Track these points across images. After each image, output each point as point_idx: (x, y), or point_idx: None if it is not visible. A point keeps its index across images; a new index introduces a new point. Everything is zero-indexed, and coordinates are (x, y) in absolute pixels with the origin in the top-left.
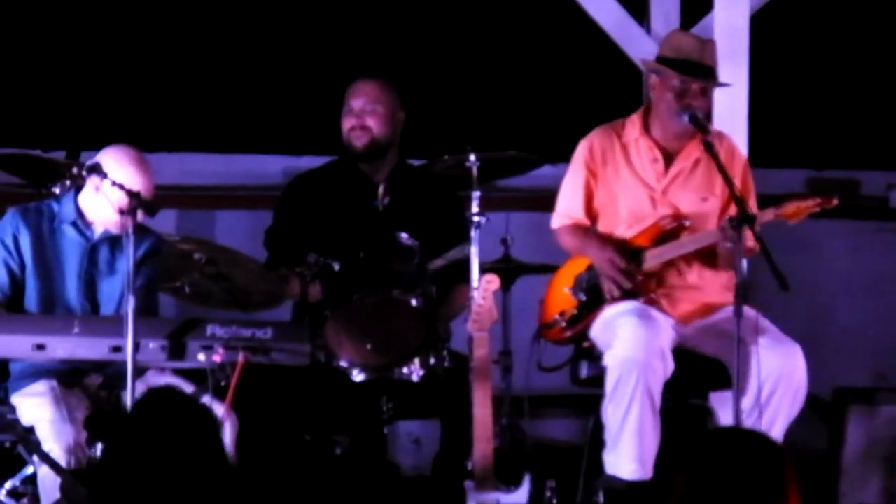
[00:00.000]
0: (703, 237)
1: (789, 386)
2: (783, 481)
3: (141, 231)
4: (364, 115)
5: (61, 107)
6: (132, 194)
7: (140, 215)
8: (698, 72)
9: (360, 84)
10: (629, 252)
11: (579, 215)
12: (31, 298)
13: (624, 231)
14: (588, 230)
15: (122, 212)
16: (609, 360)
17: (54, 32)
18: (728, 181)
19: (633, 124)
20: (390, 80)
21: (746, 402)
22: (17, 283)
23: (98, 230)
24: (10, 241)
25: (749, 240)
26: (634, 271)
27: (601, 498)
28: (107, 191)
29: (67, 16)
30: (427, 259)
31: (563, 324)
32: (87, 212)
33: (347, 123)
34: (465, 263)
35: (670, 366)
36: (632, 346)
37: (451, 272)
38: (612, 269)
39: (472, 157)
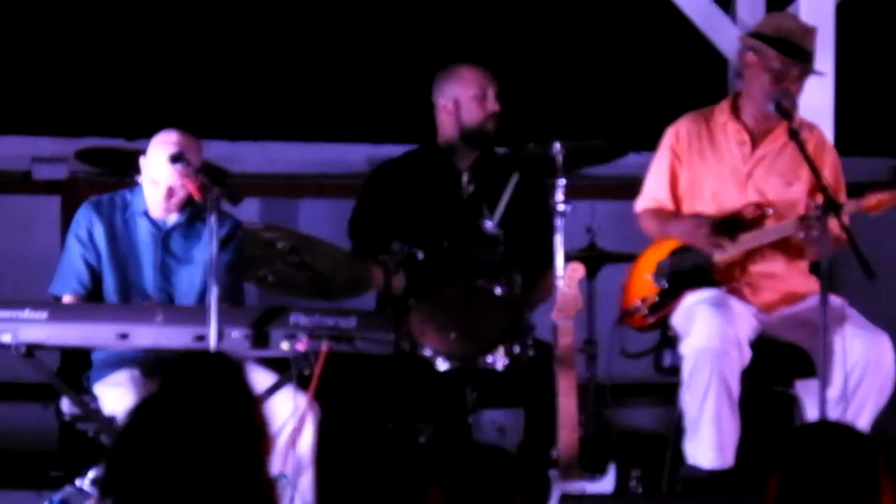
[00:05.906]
0: (780, 228)
1: (877, 375)
2: (876, 474)
3: (219, 214)
4: (496, 101)
5: (146, 96)
6: (176, 157)
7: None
8: (799, 55)
9: (482, 71)
10: (719, 224)
11: (663, 198)
12: (110, 289)
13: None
14: (670, 213)
15: (171, 192)
16: (685, 349)
17: (139, 23)
18: (814, 168)
19: (721, 110)
20: None
21: (833, 391)
22: (96, 275)
23: (170, 220)
24: (84, 235)
25: (834, 229)
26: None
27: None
28: (150, 168)
29: (153, 6)
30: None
31: (645, 310)
32: (147, 201)
33: (486, 107)
34: (551, 251)
35: (747, 354)
36: (706, 334)
37: (536, 261)
38: (697, 234)
39: (557, 146)
